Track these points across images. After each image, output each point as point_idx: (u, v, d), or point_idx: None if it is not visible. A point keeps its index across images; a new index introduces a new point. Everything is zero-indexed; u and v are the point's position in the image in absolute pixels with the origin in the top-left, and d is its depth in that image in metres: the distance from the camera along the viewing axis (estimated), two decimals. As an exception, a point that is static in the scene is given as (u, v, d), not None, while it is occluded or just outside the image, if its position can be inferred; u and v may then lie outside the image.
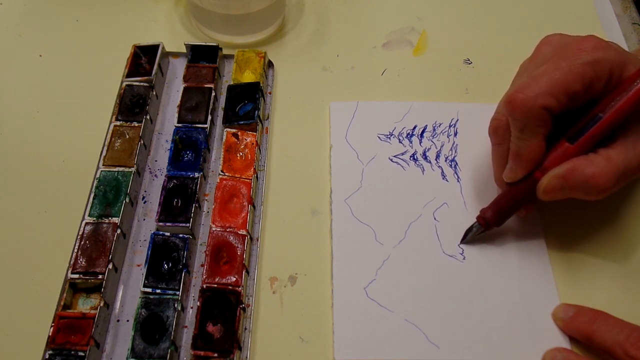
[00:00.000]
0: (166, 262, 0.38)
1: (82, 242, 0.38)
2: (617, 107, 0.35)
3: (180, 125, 0.43)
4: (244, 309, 0.37)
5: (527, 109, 0.36)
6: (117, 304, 0.38)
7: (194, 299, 0.38)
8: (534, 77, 0.37)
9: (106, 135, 0.43)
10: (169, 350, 0.34)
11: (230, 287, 0.37)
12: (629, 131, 0.36)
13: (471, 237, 0.40)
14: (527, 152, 0.37)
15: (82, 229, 0.39)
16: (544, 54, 0.39)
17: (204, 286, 0.37)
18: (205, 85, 0.46)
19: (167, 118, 0.47)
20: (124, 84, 0.45)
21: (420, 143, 0.45)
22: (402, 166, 0.44)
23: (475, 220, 0.40)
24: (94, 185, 0.40)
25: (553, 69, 0.36)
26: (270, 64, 0.49)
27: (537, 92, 0.35)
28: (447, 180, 0.44)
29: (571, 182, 0.36)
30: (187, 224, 0.39)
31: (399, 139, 0.45)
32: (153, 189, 0.43)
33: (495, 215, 0.39)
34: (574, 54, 0.36)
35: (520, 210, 0.40)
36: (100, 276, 0.37)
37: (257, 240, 0.40)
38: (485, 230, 0.40)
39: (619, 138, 0.36)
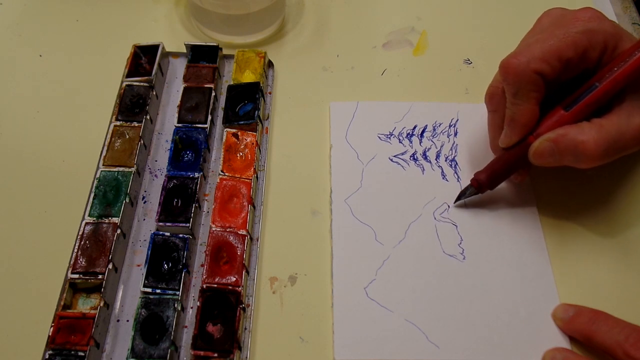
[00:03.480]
0: (166, 262, 0.38)
1: (82, 242, 0.38)
2: (613, 77, 0.36)
3: (180, 125, 0.43)
4: (244, 309, 0.37)
5: (519, 73, 0.36)
6: (117, 304, 0.38)
7: (194, 299, 0.38)
8: (528, 44, 0.38)
9: (106, 135, 0.43)
10: (169, 350, 0.34)
11: (230, 287, 0.37)
12: (624, 102, 0.37)
13: (464, 198, 0.41)
14: (520, 116, 0.37)
15: (82, 229, 0.39)
16: (542, 25, 0.41)
17: (204, 286, 0.37)
18: (205, 85, 0.46)
19: (167, 118, 0.47)
20: (124, 84, 0.45)
21: (420, 143, 0.45)
22: (402, 166, 0.44)
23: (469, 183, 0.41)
24: (94, 185, 0.40)
25: (548, 36, 0.37)
26: (270, 64, 0.49)
27: (529, 58, 0.36)
28: (447, 180, 0.44)
29: (561, 147, 0.37)
30: (187, 224, 0.39)
31: (399, 139, 0.45)
32: (153, 189, 0.43)
33: (489, 178, 0.40)
34: (569, 23, 0.38)
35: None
36: (100, 276, 0.37)
37: (257, 240, 0.40)
38: (478, 192, 0.41)
39: (614, 109, 0.37)
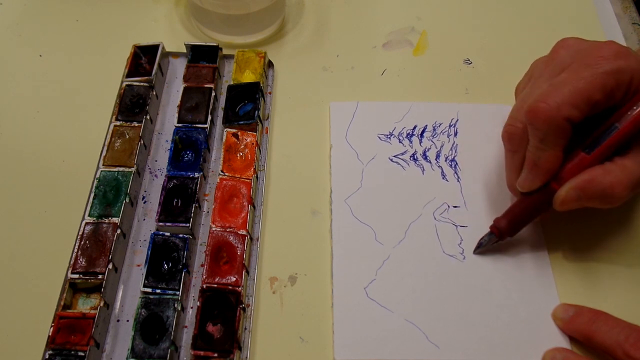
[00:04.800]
0: (166, 262, 0.38)
1: (82, 242, 0.38)
2: (633, 116, 0.35)
3: (180, 125, 0.43)
4: (244, 309, 0.37)
5: (550, 119, 0.35)
6: (117, 304, 0.38)
7: (194, 299, 0.38)
8: (555, 85, 0.36)
9: (106, 135, 0.43)
10: (169, 350, 0.34)
11: (230, 287, 0.37)
12: None
13: (485, 247, 0.40)
14: (545, 162, 0.36)
15: (82, 229, 0.39)
16: (562, 59, 0.39)
17: (204, 286, 0.37)
18: (205, 85, 0.46)
19: (167, 118, 0.47)
20: (124, 84, 0.45)
21: (420, 143, 0.45)
22: (402, 166, 0.44)
23: (488, 229, 0.40)
24: (94, 185, 0.40)
25: (575, 77, 0.35)
26: (270, 64, 0.49)
27: (559, 102, 0.35)
28: (447, 180, 0.44)
29: (589, 193, 0.35)
30: (187, 224, 0.39)
31: (399, 139, 0.45)
32: (153, 189, 0.43)
33: (510, 225, 0.39)
34: (595, 62, 0.36)
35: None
36: (100, 276, 0.37)
37: (257, 240, 0.40)
38: (498, 240, 0.39)
39: (635, 146, 0.36)
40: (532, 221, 0.39)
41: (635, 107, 0.35)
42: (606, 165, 0.36)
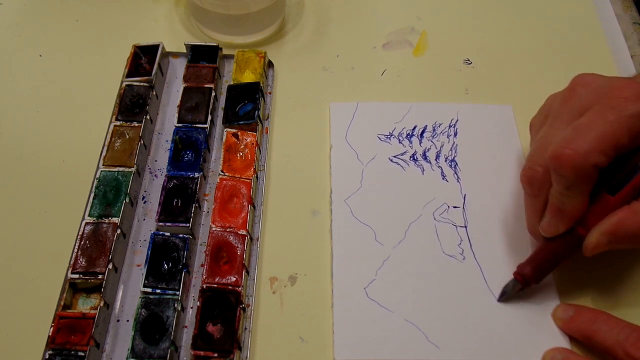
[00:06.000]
0: (166, 262, 0.38)
1: (82, 242, 0.38)
2: None
3: (180, 125, 0.43)
4: (244, 309, 0.37)
5: (577, 167, 0.33)
6: (117, 304, 0.38)
7: (194, 299, 0.38)
8: (579, 130, 0.34)
9: (106, 135, 0.43)
10: (169, 350, 0.34)
11: (230, 287, 0.37)
12: None
13: (509, 295, 0.38)
14: (571, 209, 0.35)
15: (82, 229, 0.39)
16: (581, 97, 0.37)
17: (204, 286, 0.37)
18: (205, 85, 0.46)
19: (167, 118, 0.47)
20: (124, 84, 0.45)
21: (420, 143, 0.45)
22: (402, 166, 0.44)
23: (512, 277, 0.38)
24: (94, 185, 0.40)
25: (601, 122, 0.34)
26: (270, 64, 0.49)
27: (587, 149, 0.33)
28: (447, 181, 0.44)
29: (619, 236, 0.34)
30: (187, 224, 0.39)
31: (399, 139, 0.45)
32: (153, 189, 0.43)
33: (534, 272, 0.37)
34: (619, 104, 0.34)
35: None
36: (100, 276, 0.37)
37: (257, 240, 0.40)
38: (523, 287, 0.38)
39: None
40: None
41: None
42: (633, 205, 0.35)
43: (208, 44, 0.47)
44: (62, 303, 0.36)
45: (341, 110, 0.47)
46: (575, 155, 0.33)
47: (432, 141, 0.45)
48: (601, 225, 0.35)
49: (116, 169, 0.41)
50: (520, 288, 0.38)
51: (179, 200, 0.40)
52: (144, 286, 0.36)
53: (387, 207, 0.42)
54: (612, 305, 0.38)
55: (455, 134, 0.46)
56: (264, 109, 0.47)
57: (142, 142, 0.43)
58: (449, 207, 0.42)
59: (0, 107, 0.47)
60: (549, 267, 0.37)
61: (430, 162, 0.44)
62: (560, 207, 0.35)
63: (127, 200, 0.40)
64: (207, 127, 0.43)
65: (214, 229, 0.39)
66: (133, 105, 0.44)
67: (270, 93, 0.48)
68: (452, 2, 0.55)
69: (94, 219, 0.39)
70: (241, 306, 0.36)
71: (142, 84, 0.45)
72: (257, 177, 0.42)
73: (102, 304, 0.36)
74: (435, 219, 0.42)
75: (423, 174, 0.44)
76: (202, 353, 0.34)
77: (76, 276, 0.37)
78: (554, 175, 0.35)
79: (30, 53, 0.50)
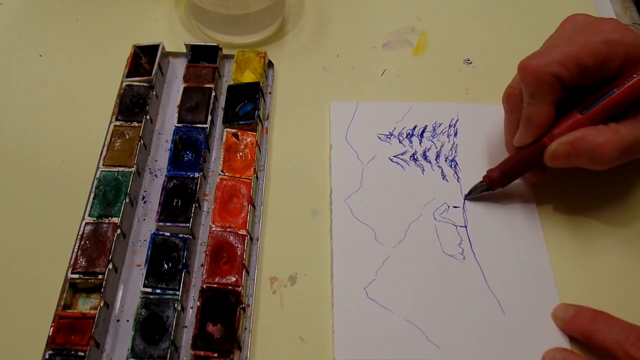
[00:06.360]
0: (166, 262, 0.38)
1: (82, 242, 0.38)
2: (632, 83, 0.36)
3: (180, 125, 0.43)
4: (244, 309, 0.37)
5: (538, 75, 0.37)
6: (117, 304, 0.38)
7: (194, 299, 0.38)
8: (548, 47, 0.39)
9: (106, 135, 0.43)
10: (169, 350, 0.34)
11: (230, 287, 0.37)
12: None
13: (475, 194, 0.42)
14: (536, 117, 0.38)
15: (82, 229, 0.39)
16: (566, 30, 0.41)
17: (204, 286, 0.37)
18: (205, 85, 0.46)
19: (167, 118, 0.47)
20: (124, 84, 0.45)
21: (420, 143, 0.45)
22: (402, 166, 0.44)
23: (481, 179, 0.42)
24: (94, 185, 0.40)
25: (569, 42, 0.38)
26: (270, 64, 0.49)
27: (549, 60, 0.37)
28: (447, 181, 0.44)
29: (578, 150, 0.37)
30: (187, 224, 0.39)
31: (399, 139, 0.45)
32: (153, 189, 0.43)
33: (501, 176, 0.41)
34: (592, 32, 0.38)
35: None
36: (100, 276, 0.37)
37: (257, 240, 0.40)
38: (489, 189, 0.41)
39: (631, 115, 0.37)
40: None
41: (635, 75, 0.36)
42: (599, 127, 0.37)
43: (208, 44, 0.47)
44: (62, 303, 0.36)
45: (341, 110, 0.47)
46: (536, 64, 0.37)
47: (432, 141, 0.45)
48: (564, 137, 0.38)
49: (116, 169, 0.41)
50: (486, 189, 0.42)
51: (179, 200, 0.40)
52: (144, 286, 0.36)
53: (387, 207, 0.42)
54: (612, 305, 0.37)
55: (456, 134, 0.46)
56: (264, 109, 0.47)
57: (142, 142, 0.43)
58: (449, 207, 0.42)
59: (0, 107, 0.47)
60: (515, 173, 0.41)
61: (430, 162, 0.44)
62: (528, 116, 0.39)
63: (127, 200, 0.40)
64: (207, 127, 0.43)
65: (214, 229, 0.39)
66: (133, 105, 0.44)
67: (270, 93, 0.48)
68: (452, 2, 0.55)
69: (94, 219, 0.39)
70: (241, 306, 0.36)
71: (142, 84, 0.45)
72: (257, 177, 0.42)
73: (102, 304, 0.36)
74: (435, 218, 0.42)
75: (423, 173, 0.44)
76: (202, 353, 0.34)
77: (76, 276, 0.37)
78: (522, 86, 0.39)
79: (30, 53, 0.50)
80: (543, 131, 0.39)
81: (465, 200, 0.42)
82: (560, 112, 0.39)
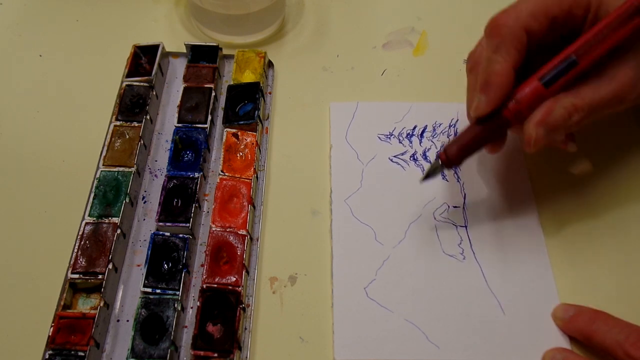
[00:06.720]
0: (166, 262, 0.38)
1: (82, 242, 0.38)
2: (590, 55, 0.35)
3: (180, 125, 0.43)
4: (244, 309, 0.37)
5: (507, 27, 0.36)
6: (117, 304, 0.38)
7: (194, 299, 0.38)
8: (514, 4, 0.37)
9: (106, 135, 0.43)
10: (169, 350, 0.34)
11: (230, 287, 0.37)
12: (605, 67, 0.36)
13: (431, 174, 0.39)
14: (495, 76, 0.36)
15: (82, 229, 0.39)
16: None
17: (204, 286, 0.37)
18: (205, 85, 0.46)
19: (167, 118, 0.47)
20: (124, 84, 0.45)
21: (420, 143, 0.45)
22: (402, 166, 0.44)
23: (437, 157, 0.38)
24: (94, 185, 0.40)
25: None
26: (270, 64, 0.49)
27: (519, 14, 0.36)
28: (447, 180, 0.44)
29: (552, 124, 0.35)
30: (187, 224, 0.39)
31: (399, 139, 0.45)
32: (153, 189, 0.43)
33: (458, 152, 0.37)
34: None
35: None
36: (100, 276, 0.37)
37: (257, 240, 0.40)
38: (445, 167, 0.38)
39: (592, 74, 0.36)
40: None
41: (593, 41, 0.35)
42: (560, 95, 0.35)
43: (208, 44, 0.47)
44: (62, 303, 0.36)
45: (341, 110, 0.47)
46: (506, 17, 0.36)
47: (432, 141, 0.45)
48: (533, 117, 0.35)
49: (116, 169, 0.41)
50: (443, 168, 0.38)
51: (179, 200, 0.40)
52: (144, 286, 0.36)
53: (387, 207, 0.42)
54: (612, 305, 0.37)
55: (456, 134, 0.46)
56: (264, 109, 0.47)
57: (142, 142, 0.43)
58: (449, 206, 0.42)
59: (0, 107, 0.47)
60: (473, 149, 0.37)
61: (430, 162, 0.44)
62: (486, 78, 0.36)
63: (127, 200, 0.40)
64: (207, 127, 0.43)
65: (214, 229, 0.39)
66: (133, 105, 0.44)
67: (270, 93, 0.48)
68: (452, 2, 0.55)
69: (94, 219, 0.39)
70: (241, 306, 0.36)
71: (142, 84, 0.45)
72: (257, 177, 0.42)
73: (102, 304, 0.36)
74: (435, 218, 0.42)
75: (423, 173, 0.44)
76: (202, 353, 0.34)
77: (76, 276, 0.37)
78: (487, 42, 0.37)
79: (30, 53, 0.50)
80: (502, 96, 0.36)
81: (421, 182, 0.39)
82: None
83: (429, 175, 0.39)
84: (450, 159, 0.37)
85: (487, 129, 0.37)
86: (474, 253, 0.40)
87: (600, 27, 0.35)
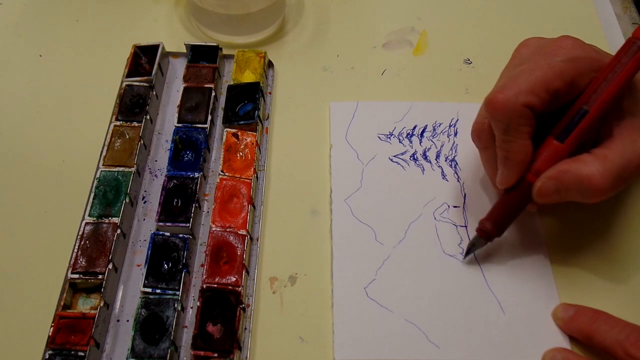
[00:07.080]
0: (166, 262, 0.38)
1: (82, 242, 0.38)
2: (601, 98, 0.34)
3: (180, 125, 0.43)
4: (244, 309, 0.37)
5: (508, 108, 0.34)
6: (117, 304, 0.38)
7: (194, 299, 0.38)
8: (512, 77, 0.36)
9: (106, 135, 0.43)
10: (169, 350, 0.34)
11: (230, 287, 0.37)
12: (623, 125, 0.35)
13: (474, 251, 0.39)
14: (514, 154, 0.35)
15: (82, 229, 0.39)
16: (522, 56, 0.39)
17: (204, 286, 0.37)
18: (205, 85, 0.46)
19: (167, 118, 0.47)
20: (124, 84, 0.45)
21: (420, 143, 0.45)
22: (402, 166, 0.44)
23: (475, 233, 0.39)
24: (94, 185, 0.40)
25: (532, 67, 0.35)
26: (270, 64, 0.49)
27: (517, 91, 0.34)
28: (447, 180, 0.44)
29: (565, 184, 0.35)
30: (187, 224, 0.39)
31: (399, 139, 0.45)
32: (153, 189, 0.43)
33: (495, 226, 0.38)
34: (552, 52, 0.36)
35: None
36: (100, 276, 0.37)
37: (257, 240, 0.40)
38: (487, 242, 0.39)
39: (615, 135, 0.35)
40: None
41: (601, 86, 0.35)
42: (584, 156, 0.35)
43: (208, 44, 0.47)
44: (62, 303, 0.36)
45: (341, 110, 0.47)
46: (504, 96, 0.34)
47: (432, 141, 0.45)
48: (548, 171, 0.35)
49: (116, 169, 0.41)
50: (484, 243, 0.39)
51: (179, 200, 0.40)
52: (144, 286, 0.36)
53: (387, 207, 0.42)
54: (612, 305, 0.38)
55: (456, 134, 0.46)
56: (264, 109, 0.47)
57: (142, 142, 0.43)
58: (449, 206, 0.42)
59: (0, 107, 0.47)
60: (509, 219, 0.38)
61: (430, 162, 0.44)
62: (505, 155, 0.36)
63: (127, 200, 0.40)
64: (207, 127, 0.43)
65: (214, 229, 0.39)
66: (133, 105, 0.44)
67: (270, 93, 0.48)
68: (452, 2, 0.55)
69: (94, 219, 0.39)
70: (241, 306, 0.36)
71: (142, 84, 0.45)
72: (257, 177, 0.42)
73: (102, 304, 0.36)
74: (435, 218, 0.42)
75: (423, 173, 0.44)
76: (202, 353, 0.34)
77: (76, 276, 0.37)
78: (492, 123, 0.36)
79: (30, 53, 0.50)
80: (525, 167, 0.36)
81: (464, 260, 0.40)
82: (534, 142, 0.36)
83: (469, 251, 0.39)
84: (488, 233, 0.38)
85: (516, 197, 0.37)
86: (474, 253, 0.40)
87: (604, 71, 0.35)
